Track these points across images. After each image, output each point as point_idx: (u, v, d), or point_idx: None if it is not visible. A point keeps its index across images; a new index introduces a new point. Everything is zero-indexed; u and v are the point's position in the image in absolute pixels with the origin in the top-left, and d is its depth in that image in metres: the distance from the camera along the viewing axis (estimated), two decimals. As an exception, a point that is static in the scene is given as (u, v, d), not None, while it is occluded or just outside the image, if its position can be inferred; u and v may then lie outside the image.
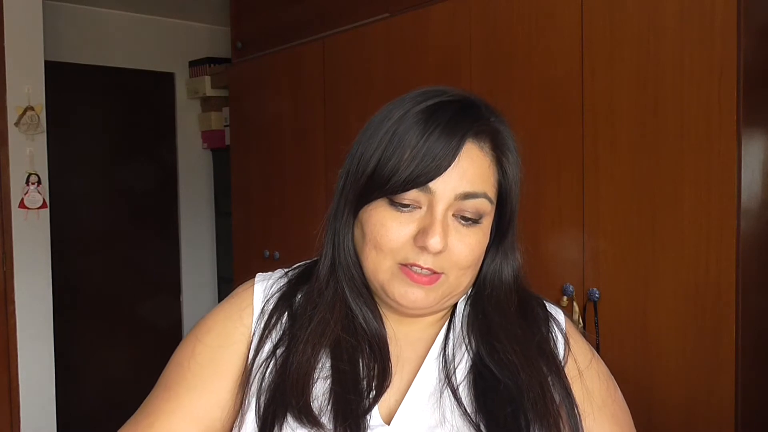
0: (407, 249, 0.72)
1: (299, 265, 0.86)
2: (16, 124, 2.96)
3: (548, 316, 0.83)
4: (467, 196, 0.72)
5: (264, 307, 0.80)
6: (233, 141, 3.29)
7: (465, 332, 0.79)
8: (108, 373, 3.73)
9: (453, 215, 0.73)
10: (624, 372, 1.68)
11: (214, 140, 3.94)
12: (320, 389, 0.73)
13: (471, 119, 0.73)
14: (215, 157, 4.08)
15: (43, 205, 3.05)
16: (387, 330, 0.78)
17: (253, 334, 0.78)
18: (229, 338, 0.78)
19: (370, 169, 0.73)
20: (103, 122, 3.83)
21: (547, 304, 0.86)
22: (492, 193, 0.75)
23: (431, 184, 0.71)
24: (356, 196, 0.75)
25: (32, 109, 2.99)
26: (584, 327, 1.75)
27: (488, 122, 0.75)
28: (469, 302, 0.81)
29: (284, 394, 0.72)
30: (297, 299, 0.80)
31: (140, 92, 3.96)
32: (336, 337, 0.75)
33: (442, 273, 0.73)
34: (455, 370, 0.76)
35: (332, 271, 0.79)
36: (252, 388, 0.74)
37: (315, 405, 0.72)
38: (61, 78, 3.44)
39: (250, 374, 0.75)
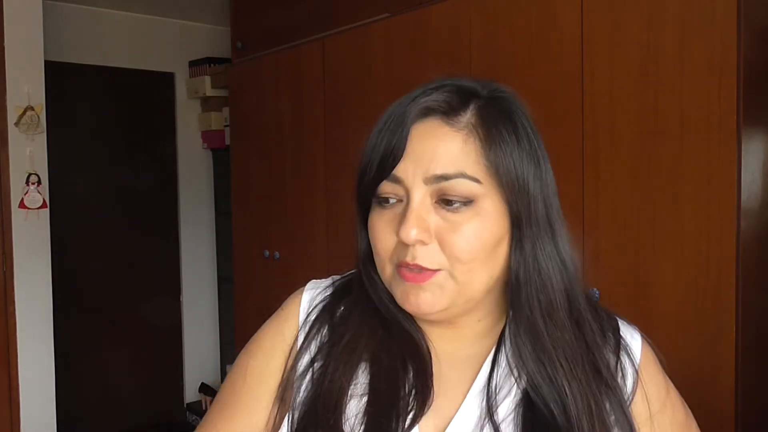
0: (398, 248, 0.68)
1: (348, 274, 0.81)
2: (16, 124, 2.96)
3: (619, 344, 0.74)
4: (440, 178, 0.65)
5: (307, 317, 0.76)
6: (233, 141, 3.29)
7: (514, 352, 0.70)
8: (108, 373, 3.73)
9: (436, 202, 0.67)
10: (624, 372, 1.68)
11: (214, 140, 3.94)
12: (354, 408, 0.69)
13: (427, 97, 0.68)
14: (215, 157, 4.08)
15: (43, 205, 3.05)
16: (428, 346, 0.73)
17: (294, 346, 0.75)
18: (277, 355, 0.76)
19: (358, 175, 0.71)
20: (103, 122, 3.83)
21: (621, 326, 0.77)
22: (478, 171, 0.66)
23: (396, 172, 0.67)
24: (358, 205, 0.73)
25: (32, 109, 2.99)
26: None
27: (455, 96, 0.68)
28: (513, 310, 0.71)
29: (317, 412, 0.68)
30: (339, 311, 0.76)
31: (140, 92, 3.96)
32: (373, 352, 0.71)
33: (439, 269, 0.66)
34: (500, 403, 0.69)
35: (362, 282, 0.75)
36: (287, 405, 0.72)
37: (347, 425, 0.68)
38: (61, 78, 3.44)
39: (285, 388, 0.73)
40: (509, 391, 0.70)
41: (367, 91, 2.41)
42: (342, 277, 0.81)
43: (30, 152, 3.00)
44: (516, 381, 0.70)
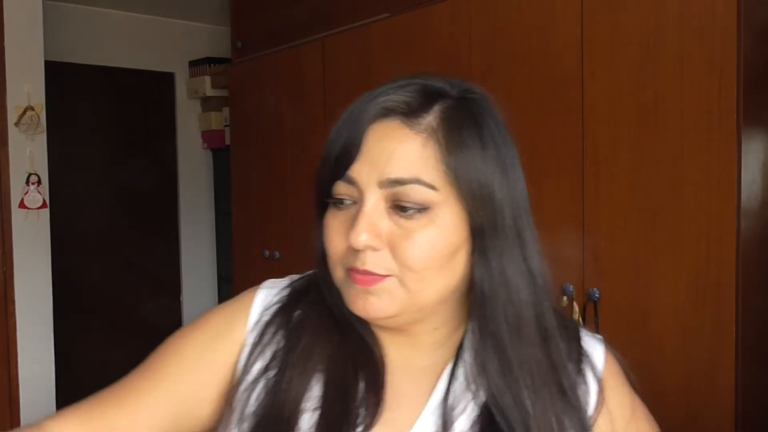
0: (349, 252, 0.65)
1: (307, 274, 0.77)
2: (16, 124, 2.96)
3: (581, 358, 0.72)
4: (394, 182, 0.62)
5: (260, 318, 0.73)
6: (233, 141, 3.29)
7: (476, 367, 0.67)
8: (108, 373, 3.71)
9: (390, 207, 0.63)
10: (624, 372, 1.68)
11: (214, 140, 3.94)
12: (308, 422, 0.65)
13: (388, 96, 0.65)
14: (215, 157, 4.08)
15: (43, 205, 3.05)
16: (381, 354, 0.70)
17: (245, 345, 0.72)
18: (219, 341, 0.73)
19: (316, 172, 0.69)
20: (103, 122, 3.83)
21: (584, 338, 0.74)
22: (435, 178, 0.62)
23: (351, 173, 0.64)
24: (317, 203, 0.70)
25: (32, 109, 2.99)
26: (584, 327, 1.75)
27: (419, 96, 0.65)
28: (476, 322, 0.68)
29: (269, 425, 0.66)
30: (296, 314, 0.72)
31: (140, 92, 3.96)
32: (328, 360, 0.68)
33: (389, 275, 0.63)
34: (457, 419, 0.67)
35: (319, 287, 0.72)
36: (236, 413, 0.69)
37: None
38: (61, 78, 3.44)
39: (235, 394, 0.69)
40: (466, 406, 0.67)
41: (367, 91, 2.40)
42: (300, 277, 0.77)
43: (30, 152, 3.00)
44: (473, 395, 0.67)
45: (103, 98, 3.84)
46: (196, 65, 3.98)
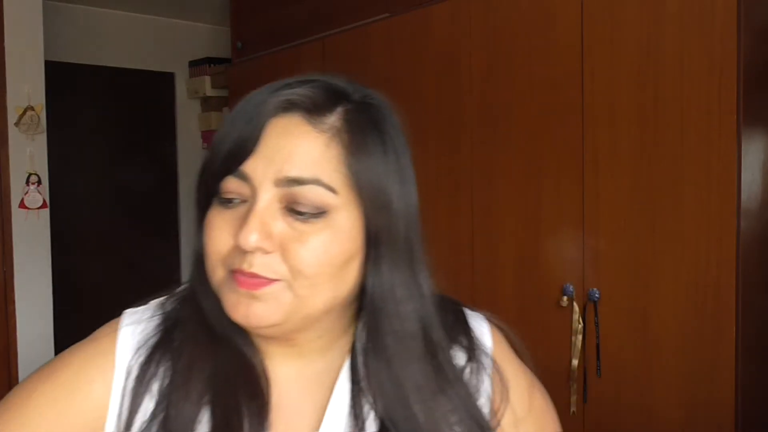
0: (234, 253, 0.59)
1: (176, 293, 0.70)
2: (16, 124, 2.96)
3: (470, 339, 0.70)
4: (292, 182, 0.58)
5: (132, 362, 0.64)
6: (233, 141, 3.28)
7: (369, 379, 0.64)
8: (108, 373, 3.73)
9: (285, 208, 0.59)
10: (624, 372, 1.68)
11: (214, 140, 3.95)
12: None
13: (292, 90, 0.61)
14: (215, 157, 4.08)
15: (43, 205, 3.05)
16: (264, 370, 0.64)
17: (110, 402, 0.63)
18: (76, 399, 0.63)
19: (201, 166, 0.63)
20: (103, 122, 3.83)
21: (469, 319, 0.72)
22: (336, 180, 0.59)
23: (244, 168, 0.59)
24: (196, 199, 0.64)
25: (32, 109, 2.99)
26: (584, 327, 1.75)
27: (323, 94, 0.61)
28: (364, 331, 0.65)
29: None
30: (175, 339, 0.65)
31: (140, 92, 3.96)
32: (208, 385, 0.62)
33: (279, 280, 0.59)
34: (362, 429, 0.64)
35: (194, 297, 0.65)
36: None
37: None
38: (61, 78, 3.44)
39: None
40: (367, 415, 0.64)
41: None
42: (167, 298, 0.70)
43: (30, 152, 3.00)
44: (372, 403, 0.64)
45: (103, 98, 3.84)
46: (196, 65, 3.98)
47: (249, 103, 0.62)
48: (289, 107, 0.60)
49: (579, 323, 1.75)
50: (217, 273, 0.61)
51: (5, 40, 2.91)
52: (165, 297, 0.70)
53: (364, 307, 0.64)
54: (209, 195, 0.62)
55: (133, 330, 0.66)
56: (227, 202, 0.60)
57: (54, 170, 3.12)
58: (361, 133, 0.60)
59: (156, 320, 0.67)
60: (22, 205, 2.99)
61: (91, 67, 3.72)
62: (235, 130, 0.60)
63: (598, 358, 1.72)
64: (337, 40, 2.58)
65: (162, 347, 0.65)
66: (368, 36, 2.42)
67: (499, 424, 0.69)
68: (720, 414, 1.51)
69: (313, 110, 0.60)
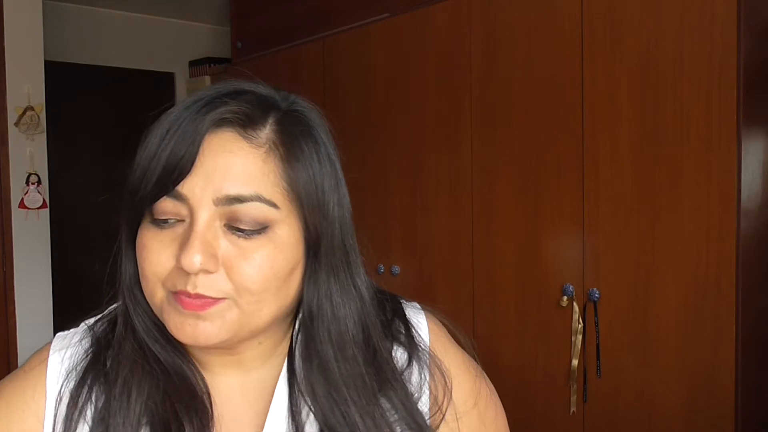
0: (175, 275, 0.58)
1: (109, 311, 0.69)
2: (16, 124, 2.96)
3: (409, 331, 0.69)
4: (232, 200, 0.57)
5: (61, 389, 0.63)
6: (233, 141, 3.29)
7: (306, 387, 0.64)
8: (108, 373, 3.73)
9: (226, 226, 0.58)
10: (624, 372, 1.68)
11: (214, 140, 3.95)
12: None
13: (224, 106, 0.59)
14: (215, 157, 4.08)
15: (43, 205, 3.05)
16: (205, 386, 0.64)
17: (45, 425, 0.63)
18: (9, 431, 0.63)
19: (128, 184, 0.61)
20: (103, 122, 3.83)
21: (407, 311, 0.71)
22: (276, 194, 0.59)
23: (181, 189, 0.57)
24: (125, 219, 0.63)
25: (32, 109, 2.99)
26: (584, 327, 1.75)
27: (254, 107, 0.60)
28: (301, 336, 0.65)
29: None
30: (108, 361, 0.64)
31: (140, 92, 3.96)
32: (146, 405, 0.61)
33: (224, 298, 0.58)
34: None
35: (127, 317, 0.64)
36: None
37: None
38: (61, 78, 3.44)
39: None
40: (306, 417, 0.64)
41: (367, 91, 2.41)
42: (97, 319, 0.70)
43: (30, 152, 3.00)
44: (310, 407, 0.64)
45: (103, 98, 3.84)
46: (196, 65, 3.98)
47: (178, 120, 0.59)
48: (222, 123, 0.59)
49: (579, 323, 1.75)
50: (156, 295, 0.60)
51: (5, 40, 2.91)
52: (95, 318, 0.69)
53: (302, 312, 0.63)
54: (139, 215, 0.60)
55: (62, 355, 0.66)
56: (162, 222, 0.59)
57: (54, 170, 3.12)
58: (296, 144, 0.60)
59: (86, 343, 0.67)
60: (22, 205, 2.99)
61: (91, 67, 3.72)
62: (167, 148, 0.58)
63: (598, 358, 1.72)
64: (337, 40, 2.58)
65: (93, 370, 0.64)
66: (368, 36, 2.42)
67: (443, 419, 0.67)
68: (720, 414, 1.51)
69: (248, 124, 0.59)
